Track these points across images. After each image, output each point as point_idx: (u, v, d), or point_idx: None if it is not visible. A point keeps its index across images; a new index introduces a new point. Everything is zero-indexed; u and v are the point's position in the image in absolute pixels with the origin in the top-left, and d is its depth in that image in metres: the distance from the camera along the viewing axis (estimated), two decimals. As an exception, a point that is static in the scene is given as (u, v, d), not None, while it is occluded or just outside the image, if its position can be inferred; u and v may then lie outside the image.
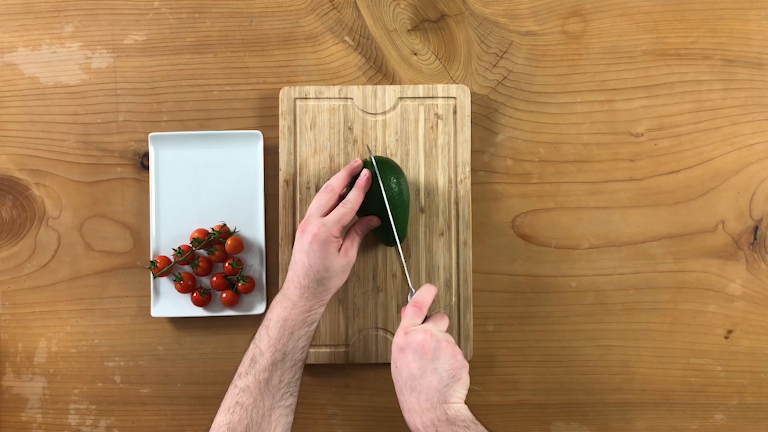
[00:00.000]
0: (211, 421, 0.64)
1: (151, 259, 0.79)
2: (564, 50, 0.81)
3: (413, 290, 0.70)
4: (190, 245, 0.78)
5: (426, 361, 0.62)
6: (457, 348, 0.64)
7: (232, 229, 0.79)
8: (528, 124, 0.81)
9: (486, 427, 0.61)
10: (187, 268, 0.80)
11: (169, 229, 0.80)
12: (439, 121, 0.79)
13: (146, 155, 0.81)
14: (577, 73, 0.81)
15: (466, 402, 0.64)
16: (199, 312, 0.79)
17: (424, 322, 0.67)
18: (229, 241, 0.78)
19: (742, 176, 0.80)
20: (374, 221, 0.73)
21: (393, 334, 0.79)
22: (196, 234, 0.78)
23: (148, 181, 0.81)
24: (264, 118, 0.81)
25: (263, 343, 0.66)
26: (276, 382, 0.64)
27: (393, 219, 0.71)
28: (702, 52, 0.81)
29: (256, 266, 0.80)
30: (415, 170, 0.79)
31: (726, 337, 0.80)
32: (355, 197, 0.69)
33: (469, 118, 0.79)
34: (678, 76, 0.81)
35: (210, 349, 0.80)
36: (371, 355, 0.79)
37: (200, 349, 0.81)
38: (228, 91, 0.81)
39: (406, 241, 0.79)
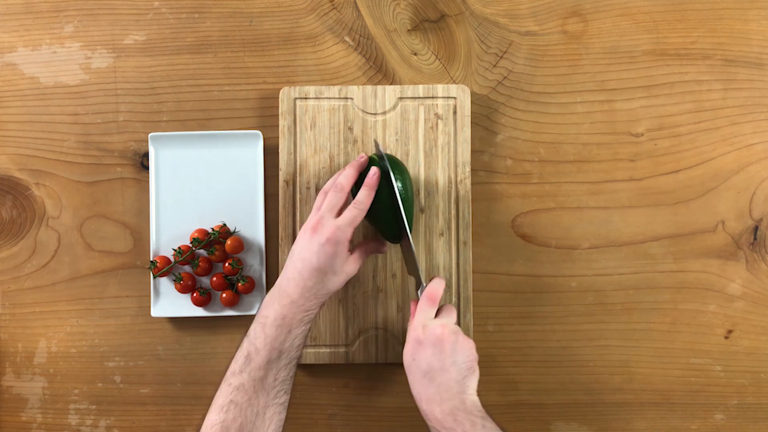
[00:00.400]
0: None
1: (151, 259, 0.79)
2: (564, 50, 0.81)
3: (424, 284, 0.70)
4: (190, 245, 0.78)
5: (446, 355, 0.64)
6: (471, 341, 0.66)
7: (232, 229, 0.79)
8: (528, 124, 0.81)
9: (499, 426, 0.63)
10: (187, 268, 0.80)
11: (169, 229, 0.80)
12: (439, 121, 0.79)
13: (146, 155, 0.81)
14: (577, 73, 0.81)
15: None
16: (199, 312, 0.79)
17: (435, 314, 0.68)
18: (229, 241, 0.78)
19: (742, 176, 0.81)
20: (382, 250, 0.75)
21: (393, 334, 0.79)
22: (196, 234, 0.78)
23: (148, 181, 0.81)
24: (264, 118, 0.81)
25: (259, 341, 0.65)
26: (271, 381, 0.64)
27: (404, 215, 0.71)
28: (702, 52, 0.81)
29: (256, 266, 0.80)
30: (415, 170, 0.79)
31: (726, 337, 0.80)
32: (365, 197, 0.68)
33: (469, 118, 0.79)
34: (678, 76, 0.81)
35: (210, 349, 0.80)
36: (371, 355, 0.79)
37: (200, 349, 0.81)
38: (228, 91, 0.81)
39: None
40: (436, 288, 0.68)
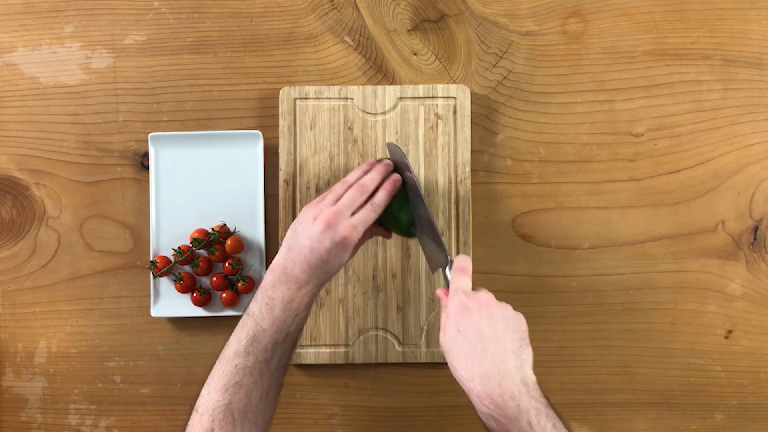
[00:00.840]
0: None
1: (151, 259, 0.79)
2: (564, 50, 0.81)
3: (451, 258, 0.66)
4: (190, 245, 0.78)
5: (496, 321, 0.58)
6: (520, 313, 0.60)
7: (232, 229, 0.79)
8: (528, 124, 0.81)
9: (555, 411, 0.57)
10: (187, 268, 0.80)
11: (169, 229, 0.80)
12: (439, 121, 0.79)
13: (146, 155, 0.81)
14: (577, 73, 0.81)
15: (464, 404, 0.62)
16: (199, 312, 0.79)
17: None
18: (229, 241, 0.78)
19: (742, 176, 0.81)
20: (388, 236, 0.73)
21: (393, 334, 0.79)
22: (196, 234, 0.78)
23: (148, 181, 0.81)
24: (264, 118, 0.81)
25: (266, 322, 0.63)
26: (275, 363, 0.63)
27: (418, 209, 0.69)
28: (702, 52, 0.81)
29: (256, 266, 0.80)
30: (415, 170, 0.79)
31: (726, 337, 0.80)
32: (383, 200, 0.67)
33: (469, 118, 0.79)
34: (678, 76, 0.81)
35: (210, 349, 0.80)
36: (371, 355, 0.79)
37: (200, 349, 0.81)
38: (228, 91, 0.81)
39: (406, 239, 0.79)
40: (465, 262, 0.64)
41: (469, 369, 0.57)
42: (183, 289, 0.78)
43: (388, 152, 0.78)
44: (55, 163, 0.81)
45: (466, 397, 0.59)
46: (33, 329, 0.81)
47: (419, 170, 0.79)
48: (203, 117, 0.81)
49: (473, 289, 0.63)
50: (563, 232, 0.81)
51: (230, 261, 0.78)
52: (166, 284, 0.79)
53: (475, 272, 0.80)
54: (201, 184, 0.80)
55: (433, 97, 0.79)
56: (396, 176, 0.69)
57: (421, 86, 0.79)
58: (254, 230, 0.80)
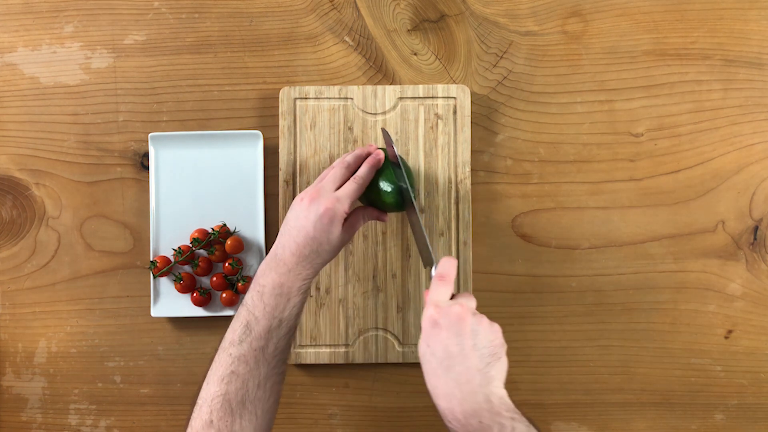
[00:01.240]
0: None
1: (151, 259, 0.79)
2: (564, 50, 0.81)
3: (435, 260, 0.66)
4: (190, 245, 0.78)
5: (465, 337, 0.56)
6: (496, 324, 0.58)
7: (232, 229, 0.79)
8: (528, 124, 0.81)
9: (529, 420, 0.56)
10: (187, 268, 0.80)
11: (169, 229, 0.80)
12: (439, 121, 0.79)
13: (146, 155, 0.81)
14: (577, 73, 0.81)
15: None
16: (199, 312, 0.79)
17: (451, 299, 0.61)
18: (229, 241, 0.78)
19: (742, 176, 0.81)
20: (382, 218, 0.72)
21: (393, 334, 0.79)
22: (196, 234, 0.78)
23: (148, 181, 0.81)
24: (264, 118, 0.81)
25: (258, 310, 0.63)
26: (272, 350, 0.62)
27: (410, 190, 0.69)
28: (702, 52, 0.81)
29: (256, 266, 0.80)
30: (415, 170, 0.79)
31: (726, 337, 0.80)
32: (366, 173, 0.68)
33: (469, 118, 0.79)
34: (678, 76, 0.81)
35: (210, 349, 0.80)
36: (371, 355, 0.79)
37: (200, 349, 0.81)
38: (228, 91, 0.81)
39: (406, 239, 0.79)
40: (447, 267, 0.62)
41: (435, 386, 0.57)
42: (183, 289, 0.78)
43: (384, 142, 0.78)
44: (55, 163, 0.81)
45: None
46: (33, 329, 0.81)
47: (419, 170, 0.79)
48: (203, 117, 0.81)
49: (454, 295, 0.62)
50: (563, 232, 0.81)
51: (230, 261, 0.78)
52: (166, 284, 0.79)
53: (475, 272, 0.80)
54: (201, 184, 0.80)
55: (433, 97, 0.79)
56: (378, 151, 0.70)
57: (421, 86, 0.79)
58: (254, 230, 0.80)
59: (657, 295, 0.80)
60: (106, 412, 0.81)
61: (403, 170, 0.70)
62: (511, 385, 0.80)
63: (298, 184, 0.79)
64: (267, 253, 0.79)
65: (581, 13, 0.81)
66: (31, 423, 0.81)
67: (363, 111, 0.79)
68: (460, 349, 0.56)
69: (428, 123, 0.79)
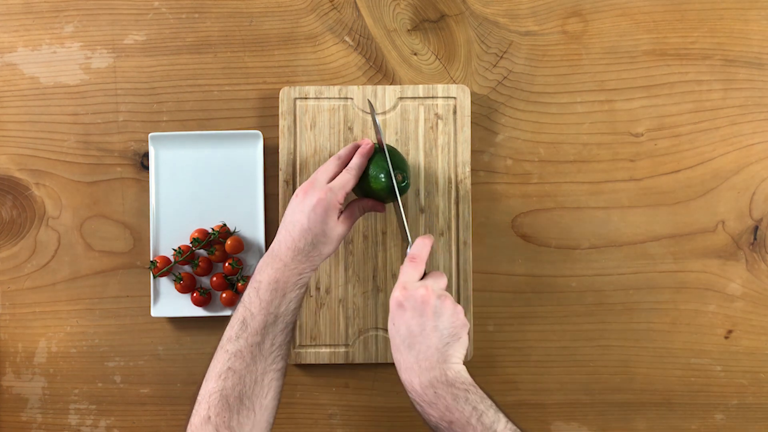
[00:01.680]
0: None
1: (151, 259, 0.79)
2: (564, 50, 0.81)
3: (410, 240, 0.68)
4: (190, 245, 0.78)
5: (426, 318, 0.60)
6: (458, 306, 0.62)
7: (232, 229, 0.79)
8: (528, 124, 0.81)
9: (487, 394, 0.60)
10: (187, 268, 0.80)
11: (169, 229, 0.80)
12: (439, 121, 0.79)
13: (146, 155, 0.81)
14: (577, 73, 0.81)
15: None
16: (199, 312, 0.79)
17: (422, 278, 0.64)
18: (229, 241, 0.78)
19: (742, 176, 0.81)
20: (379, 208, 0.72)
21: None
22: (196, 234, 0.78)
23: (148, 181, 0.81)
24: (264, 118, 0.81)
25: (254, 306, 0.63)
26: (268, 346, 0.63)
27: (394, 174, 0.70)
28: (702, 52, 0.81)
29: (255, 266, 0.79)
30: (415, 170, 0.79)
31: (726, 337, 0.80)
32: (358, 164, 0.69)
33: (469, 118, 0.79)
34: (678, 76, 0.81)
35: (210, 349, 0.80)
36: (371, 355, 0.79)
37: (200, 349, 0.81)
38: (228, 91, 0.81)
39: (406, 240, 0.79)
40: (420, 248, 0.65)
41: (398, 361, 0.62)
42: (183, 289, 0.78)
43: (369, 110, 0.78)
44: (55, 163, 0.81)
45: None
46: (33, 329, 0.81)
47: (419, 170, 0.79)
48: (203, 117, 0.81)
49: (426, 273, 0.65)
50: (563, 232, 0.81)
51: (230, 261, 0.78)
52: (166, 284, 0.79)
53: (475, 272, 0.80)
54: (201, 184, 0.80)
55: (433, 97, 0.79)
56: (368, 140, 0.71)
57: (421, 86, 0.79)
58: (254, 230, 0.80)
59: (657, 295, 0.80)
60: (106, 412, 0.81)
61: (387, 154, 0.70)
62: (511, 385, 0.80)
63: (298, 184, 0.79)
64: (267, 253, 0.79)
65: (581, 13, 0.81)
66: (31, 423, 0.81)
67: (363, 111, 0.79)
68: (422, 330, 0.60)
69: (428, 123, 0.79)
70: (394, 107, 0.79)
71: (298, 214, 0.66)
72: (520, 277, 0.81)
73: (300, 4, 0.82)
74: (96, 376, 0.81)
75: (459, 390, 0.59)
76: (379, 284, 0.79)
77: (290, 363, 0.79)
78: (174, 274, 0.78)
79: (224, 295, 0.78)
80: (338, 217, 0.67)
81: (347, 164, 0.70)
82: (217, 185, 0.80)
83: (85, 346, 0.81)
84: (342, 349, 0.79)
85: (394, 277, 0.78)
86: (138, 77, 0.81)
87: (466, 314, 0.76)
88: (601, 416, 0.80)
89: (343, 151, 0.71)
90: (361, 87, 0.79)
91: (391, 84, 0.81)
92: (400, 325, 0.61)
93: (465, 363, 0.63)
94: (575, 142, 0.81)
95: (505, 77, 0.81)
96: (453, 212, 0.79)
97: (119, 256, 0.81)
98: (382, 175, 0.70)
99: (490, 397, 0.60)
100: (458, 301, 0.78)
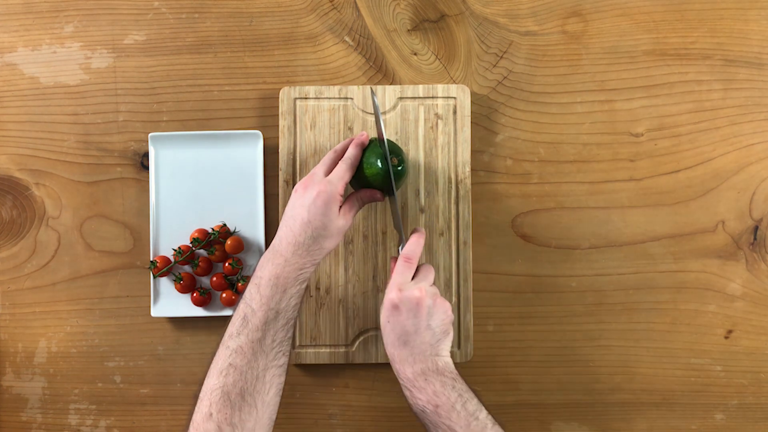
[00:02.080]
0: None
1: (151, 259, 0.79)
2: (564, 50, 0.81)
3: (405, 241, 0.69)
4: (190, 245, 0.78)
5: (420, 319, 0.64)
6: (447, 303, 0.66)
7: (232, 229, 0.79)
8: (528, 124, 0.81)
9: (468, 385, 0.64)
10: (187, 268, 0.80)
11: (169, 229, 0.80)
12: (439, 121, 0.79)
13: (146, 155, 0.81)
14: (577, 73, 0.81)
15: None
16: (199, 312, 0.79)
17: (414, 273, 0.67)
18: (229, 241, 0.78)
19: (742, 176, 0.81)
20: (378, 196, 0.72)
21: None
22: (196, 234, 0.78)
23: (148, 181, 0.81)
24: (264, 118, 0.81)
25: (255, 302, 0.64)
26: (269, 342, 0.63)
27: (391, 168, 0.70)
28: (702, 52, 0.81)
29: (256, 265, 0.79)
30: (415, 170, 0.79)
31: (726, 337, 0.80)
32: (353, 154, 0.69)
33: (469, 118, 0.79)
34: (678, 76, 0.81)
35: (210, 349, 0.80)
36: (371, 355, 0.79)
37: (200, 349, 0.81)
38: (228, 91, 0.81)
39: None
40: (413, 248, 0.67)
41: (392, 354, 0.65)
42: (183, 289, 0.78)
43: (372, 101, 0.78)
44: (55, 163, 0.81)
45: None
46: (33, 329, 0.81)
47: (419, 170, 0.79)
48: (203, 117, 0.81)
49: (417, 270, 0.67)
50: (563, 232, 0.81)
51: (230, 261, 0.78)
52: (166, 284, 0.79)
53: (475, 272, 0.80)
54: (201, 184, 0.80)
55: (433, 97, 0.79)
56: (363, 132, 0.72)
57: (421, 86, 0.79)
58: (254, 230, 0.80)
59: (657, 295, 0.80)
60: (106, 412, 0.81)
61: (384, 137, 0.70)
62: (511, 385, 0.80)
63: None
64: (267, 253, 0.79)
65: (581, 13, 0.81)
66: (31, 423, 0.81)
67: (363, 111, 0.79)
68: (416, 329, 0.64)
69: (428, 123, 0.79)
70: (394, 107, 0.79)
71: (298, 208, 0.66)
72: (520, 277, 0.81)
73: (300, 4, 0.82)
74: (96, 376, 0.81)
75: (447, 378, 0.63)
76: (379, 284, 0.79)
77: (290, 363, 0.79)
78: (174, 274, 0.78)
79: (224, 295, 0.78)
80: (339, 210, 0.67)
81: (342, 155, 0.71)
82: (217, 185, 0.80)
83: (85, 346, 0.81)
84: (342, 349, 0.79)
85: (394, 277, 0.78)
86: (138, 77, 0.81)
87: (465, 314, 0.77)
88: (601, 416, 0.80)
89: (339, 145, 0.72)
90: (361, 87, 0.79)
91: (391, 84, 0.81)
92: (395, 324, 0.65)
93: (465, 363, 0.65)
94: (575, 142, 0.81)
95: (505, 77, 0.81)
96: (453, 212, 0.79)
97: (119, 256, 0.81)
98: (377, 161, 0.69)
99: (473, 390, 0.64)
100: (458, 301, 0.78)
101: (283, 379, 0.65)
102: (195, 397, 0.62)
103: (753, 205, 0.80)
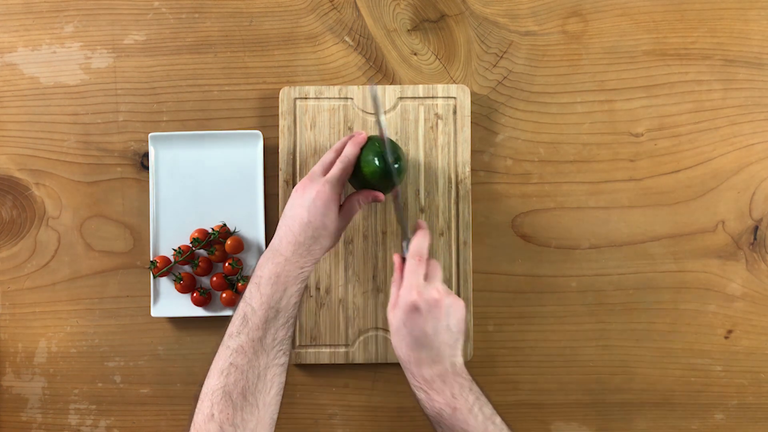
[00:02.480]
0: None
1: (151, 259, 0.79)
2: (564, 50, 0.81)
3: (410, 237, 0.69)
4: (190, 245, 0.78)
5: (440, 320, 0.63)
6: (461, 301, 0.65)
7: (232, 229, 0.79)
8: (528, 124, 0.81)
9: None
10: (187, 268, 0.80)
11: (169, 229, 0.80)
12: (439, 121, 0.79)
13: (146, 155, 0.81)
14: (577, 73, 0.81)
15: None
16: (199, 312, 0.79)
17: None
18: (229, 241, 0.78)
19: (742, 176, 0.81)
20: (379, 197, 0.71)
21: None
22: (196, 234, 0.78)
23: (148, 181, 0.81)
24: (264, 118, 0.81)
25: (255, 301, 0.63)
26: (270, 341, 0.63)
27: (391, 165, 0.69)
28: (702, 52, 0.81)
29: (255, 265, 0.79)
30: (415, 170, 0.79)
31: (726, 337, 0.80)
32: (351, 152, 0.69)
33: (469, 118, 0.79)
34: (678, 76, 0.81)
35: (210, 349, 0.80)
36: (371, 355, 0.79)
37: (200, 349, 0.81)
38: (228, 91, 0.81)
39: (406, 241, 0.79)
40: (421, 244, 0.67)
41: (408, 355, 0.64)
42: (183, 289, 0.78)
43: (371, 98, 0.78)
44: (55, 163, 0.81)
45: None
46: (33, 329, 0.81)
47: (419, 170, 0.79)
48: (203, 117, 0.81)
49: (428, 264, 0.66)
50: (563, 232, 0.81)
51: (230, 261, 0.78)
52: (166, 284, 0.79)
53: (475, 272, 0.80)
54: (201, 184, 0.80)
55: (433, 97, 0.79)
56: (361, 132, 0.72)
57: (421, 86, 0.79)
58: (254, 230, 0.80)
59: (657, 295, 0.80)
60: (106, 412, 0.81)
61: (387, 143, 0.69)
62: (511, 385, 0.80)
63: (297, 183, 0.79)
64: (267, 253, 0.79)
65: (581, 13, 0.81)
66: (31, 423, 0.81)
67: (363, 111, 0.79)
68: (435, 330, 0.63)
69: (428, 123, 0.79)
70: (394, 107, 0.79)
71: (297, 208, 0.67)
72: (520, 277, 0.81)
73: (300, 4, 0.82)
74: (96, 376, 0.81)
75: (465, 380, 0.63)
76: (379, 284, 0.79)
77: (290, 363, 0.79)
78: (174, 274, 0.78)
79: (224, 295, 0.78)
80: (338, 210, 0.67)
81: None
82: (217, 185, 0.80)
83: (85, 346, 0.81)
84: (342, 350, 0.79)
85: (394, 277, 0.78)
86: (138, 77, 0.81)
87: (466, 315, 0.77)
88: (601, 416, 0.80)
89: (338, 144, 0.71)
90: (361, 87, 0.79)
91: (391, 84, 0.81)
92: (413, 327, 0.63)
93: (465, 363, 0.65)
94: (575, 142, 0.81)
95: (505, 77, 0.81)
96: (453, 212, 0.79)
97: (119, 256, 0.81)
98: (374, 159, 0.69)
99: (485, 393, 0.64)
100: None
101: (284, 378, 0.64)
102: (195, 398, 0.62)
103: (753, 205, 0.80)
